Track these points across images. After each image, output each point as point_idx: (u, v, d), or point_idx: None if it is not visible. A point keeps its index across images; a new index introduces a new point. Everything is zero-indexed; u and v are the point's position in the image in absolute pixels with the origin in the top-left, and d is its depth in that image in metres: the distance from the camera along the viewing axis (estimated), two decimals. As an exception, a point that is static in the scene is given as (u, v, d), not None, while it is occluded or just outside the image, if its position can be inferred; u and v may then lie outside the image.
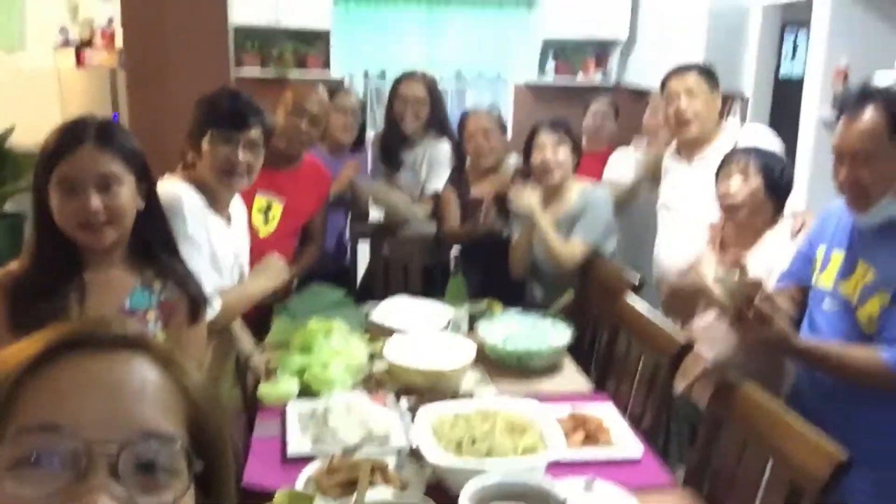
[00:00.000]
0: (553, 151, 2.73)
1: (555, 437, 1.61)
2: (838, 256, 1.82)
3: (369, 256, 3.31)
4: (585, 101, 3.78)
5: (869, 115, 1.66)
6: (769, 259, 2.12)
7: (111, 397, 0.63)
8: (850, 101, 1.73)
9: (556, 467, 1.60)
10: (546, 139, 2.74)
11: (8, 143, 4.63)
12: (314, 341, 2.15)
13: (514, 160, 3.11)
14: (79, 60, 4.90)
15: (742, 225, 2.20)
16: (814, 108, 3.34)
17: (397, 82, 3.18)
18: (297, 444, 1.77)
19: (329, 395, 1.96)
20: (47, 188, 1.48)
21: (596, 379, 2.32)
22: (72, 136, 1.48)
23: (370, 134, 3.42)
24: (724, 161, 2.25)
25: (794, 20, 4.00)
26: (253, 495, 1.53)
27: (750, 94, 4.02)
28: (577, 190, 2.80)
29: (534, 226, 2.72)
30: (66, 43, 4.90)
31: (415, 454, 1.71)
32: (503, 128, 3.12)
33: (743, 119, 3.95)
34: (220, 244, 2.07)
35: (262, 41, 5.04)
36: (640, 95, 3.75)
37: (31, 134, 4.88)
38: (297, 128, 2.64)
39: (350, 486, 1.54)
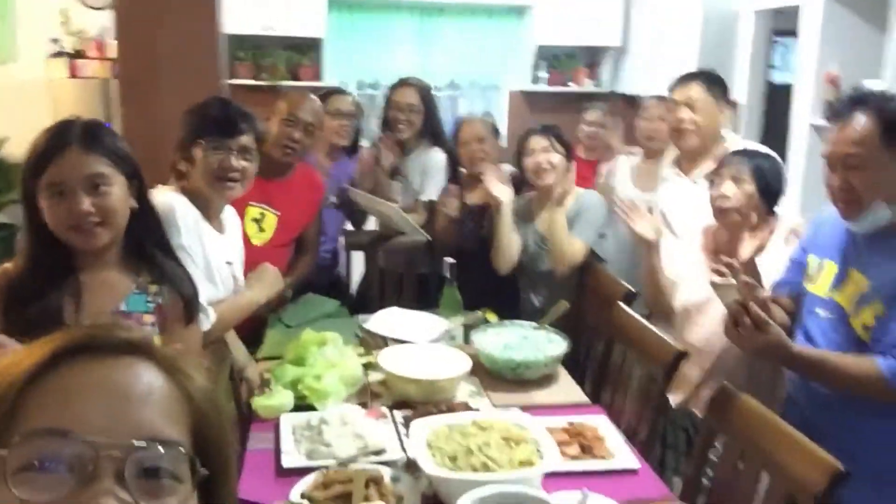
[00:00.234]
0: (545, 154, 2.73)
1: (550, 450, 1.60)
2: (831, 265, 1.82)
3: (364, 266, 3.31)
4: (579, 108, 3.79)
5: (860, 121, 1.67)
6: (762, 264, 2.11)
7: (117, 402, 0.63)
8: (841, 108, 1.73)
9: (552, 480, 1.59)
10: (536, 143, 2.75)
11: (0, 154, 4.62)
12: (308, 353, 2.14)
13: (507, 168, 3.10)
14: (71, 71, 4.90)
15: (734, 229, 2.20)
16: (804, 114, 3.36)
17: (391, 90, 3.18)
18: (292, 456, 1.75)
19: (324, 407, 1.95)
20: (36, 193, 1.48)
21: (591, 390, 2.31)
22: (57, 139, 1.49)
23: (365, 142, 3.41)
24: (718, 166, 2.25)
25: (784, 27, 4.02)
26: (247, 510, 1.52)
27: (742, 100, 4.04)
28: (572, 195, 2.80)
29: (517, 224, 2.74)
30: (58, 53, 4.90)
31: (410, 466, 1.70)
32: (497, 135, 3.12)
33: (734, 125, 3.96)
34: (215, 254, 2.07)
35: (254, 50, 5.04)
36: (633, 102, 3.76)
37: (23, 145, 4.87)
38: (291, 137, 2.63)
39: (345, 499, 1.53)
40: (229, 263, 2.16)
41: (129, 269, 1.59)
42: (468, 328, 2.45)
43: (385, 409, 2.00)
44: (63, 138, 1.48)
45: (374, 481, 1.59)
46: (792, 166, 3.38)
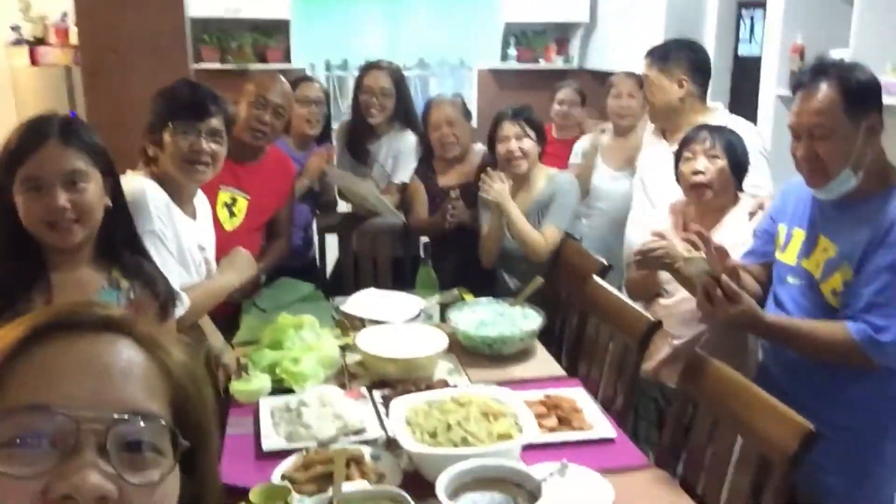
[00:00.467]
0: (517, 141, 2.74)
1: (528, 423, 1.62)
2: (800, 233, 1.85)
3: (338, 249, 3.29)
4: (549, 85, 3.79)
5: (824, 91, 1.69)
6: (731, 238, 2.14)
7: (98, 377, 0.64)
8: (804, 79, 1.75)
9: (532, 452, 1.62)
10: (509, 130, 2.75)
11: (-38, 145, 4.52)
12: (285, 336, 2.14)
13: (479, 148, 3.10)
14: (32, 59, 4.79)
15: (706, 205, 2.21)
16: (771, 85, 3.38)
17: (362, 73, 3.14)
18: (271, 439, 1.76)
19: (302, 390, 1.95)
20: (10, 188, 1.45)
21: (567, 363, 2.34)
22: (35, 133, 1.46)
23: (334, 125, 3.38)
24: (686, 140, 2.24)
25: (750, 0, 4.04)
26: (227, 494, 1.52)
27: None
28: (544, 177, 2.82)
29: (503, 215, 2.73)
30: (17, 41, 4.79)
31: (390, 444, 1.72)
32: (468, 116, 3.11)
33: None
34: (187, 239, 2.05)
35: (220, 33, 4.96)
36: (603, 78, 3.77)
37: (-15, 135, 4.78)
38: (261, 120, 2.59)
39: (326, 479, 1.54)
40: (202, 248, 2.15)
41: (101, 267, 1.57)
42: (444, 307, 2.46)
43: (364, 390, 2.01)
44: (41, 132, 1.46)
45: (355, 460, 1.60)
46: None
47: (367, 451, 1.66)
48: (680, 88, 2.59)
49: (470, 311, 2.39)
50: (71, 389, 0.62)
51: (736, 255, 2.07)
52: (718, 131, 2.22)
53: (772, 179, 2.45)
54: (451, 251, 2.93)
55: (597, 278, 2.37)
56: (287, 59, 4.97)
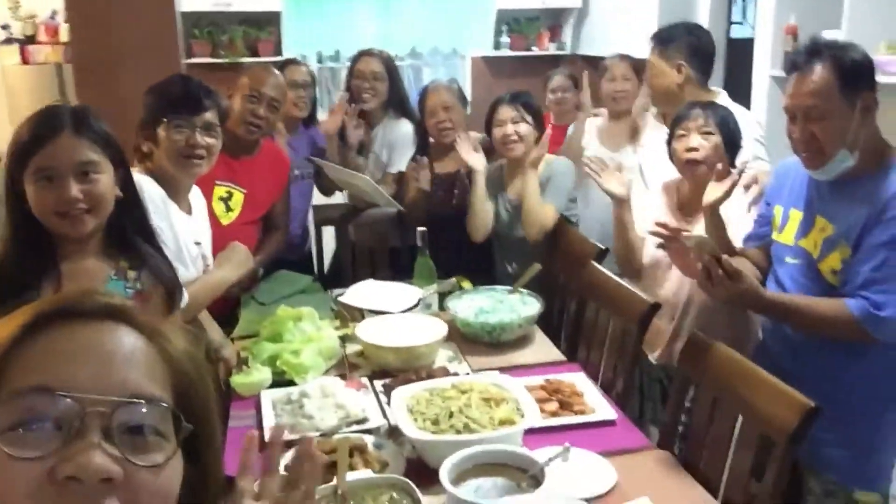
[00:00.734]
0: (513, 125, 2.73)
1: (530, 407, 1.63)
2: (796, 214, 1.86)
3: (335, 241, 3.29)
4: (543, 71, 3.78)
5: (819, 72, 1.69)
6: (726, 214, 2.14)
7: (101, 362, 0.65)
8: (798, 60, 1.75)
9: (534, 437, 1.63)
10: (506, 114, 2.75)
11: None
12: (284, 329, 2.14)
13: (473, 135, 3.09)
14: (23, 57, 4.77)
15: (699, 182, 2.21)
16: (765, 66, 3.38)
17: (354, 60, 3.14)
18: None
19: (303, 381, 1.96)
20: (21, 179, 1.46)
21: (566, 349, 2.35)
22: (48, 124, 1.47)
23: (323, 116, 3.37)
24: (679, 118, 2.22)
25: (742, -19, 4.03)
26: (232, 484, 1.52)
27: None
28: (542, 161, 2.81)
29: (479, 186, 2.75)
30: (8, 40, 4.77)
31: (393, 433, 1.72)
32: (464, 101, 3.09)
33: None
34: (184, 234, 2.05)
35: (211, 27, 4.94)
36: (596, 63, 3.76)
37: (-22, 135, 4.76)
38: (255, 114, 2.58)
39: (330, 469, 1.54)
40: (198, 244, 2.15)
41: (108, 257, 1.58)
42: (443, 296, 2.47)
43: (364, 380, 2.01)
44: (55, 123, 1.46)
45: (358, 449, 1.61)
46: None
47: (369, 441, 1.67)
48: (679, 73, 2.58)
49: (469, 300, 2.39)
50: (75, 374, 0.63)
51: (733, 229, 2.08)
52: (711, 107, 2.21)
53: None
54: (448, 240, 2.92)
55: (595, 264, 2.37)
56: (278, 51, 4.95)
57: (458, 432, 1.57)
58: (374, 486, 1.44)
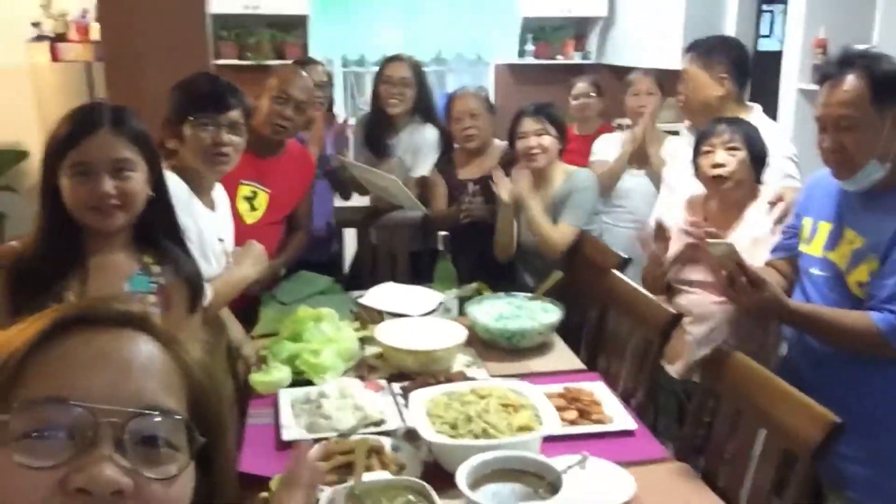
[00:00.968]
0: (536, 137, 2.73)
1: (549, 415, 1.62)
2: (825, 226, 1.84)
3: (357, 243, 3.30)
4: (567, 80, 3.77)
5: (850, 82, 1.67)
6: (752, 233, 2.12)
7: (116, 372, 0.64)
8: (830, 70, 1.73)
9: (552, 444, 1.61)
10: (529, 126, 2.74)
11: (-17, 141, 4.56)
12: (304, 329, 2.15)
13: (498, 143, 3.09)
14: (53, 55, 4.83)
15: (726, 200, 2.20)
16: (793, 79, 3.36)
17: (383, 65, 3.15)
18: (292, 430, 1.76)
19: (322, 382, 1.96)
20: (57, 172, 1.48)
21: (586, 358, 2.33)
22: (87, 120, 1.50)
23: (351, 120, 3.38)
24: (704, 135, 2.21)
25: (771, -6, 4.01)
26: (248, 483, 1.53)
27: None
28: (562, 173, 2.80)
29: (515, 210, 2.73)
30: (38, 37, 4.83)
31: (410, 435, 1.72)
32: (491, 109, 3.09)
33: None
34: (207, 231, 2.06)
35: (239, 29, 4.99)
36: (621, 74, 3.75)
37: (5, 131, 4.83)
38: (282, 115, 2.58)
39: (346, 469, 1.54)
40: (221, 240, 2.16)
41: (134, 253, 1.60)
42: (463, 300, 2.46)
43: (383, 382, 2.01)
44: (94, 120, 1.50)
45: (376, 451, 1.60)
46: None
47: (387, 442, 1.66)
48: (720, 86, 2.51)
49: (489, 305, 2.39)
50: (90, 383, 0.62)
51: (759, 249, 2.06)
52: (736, 123, 2.20)
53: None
54: (469, 245, 2.92)
55: (616, 273, 2.36)
56: (305, 54, 4.98)
57: (476, 437, 1.56)
58: (391, 488, 1.44)
